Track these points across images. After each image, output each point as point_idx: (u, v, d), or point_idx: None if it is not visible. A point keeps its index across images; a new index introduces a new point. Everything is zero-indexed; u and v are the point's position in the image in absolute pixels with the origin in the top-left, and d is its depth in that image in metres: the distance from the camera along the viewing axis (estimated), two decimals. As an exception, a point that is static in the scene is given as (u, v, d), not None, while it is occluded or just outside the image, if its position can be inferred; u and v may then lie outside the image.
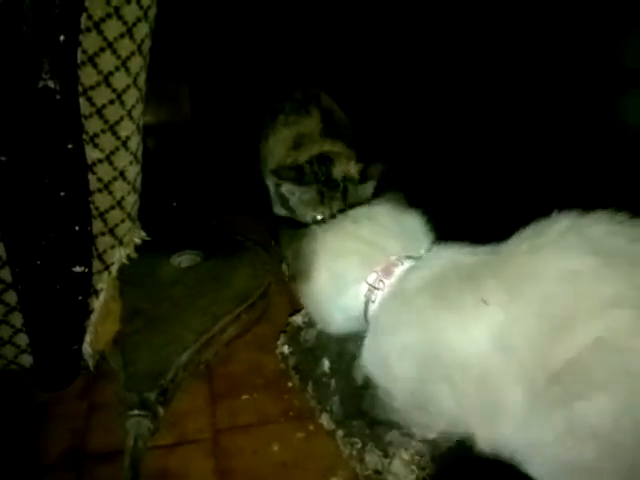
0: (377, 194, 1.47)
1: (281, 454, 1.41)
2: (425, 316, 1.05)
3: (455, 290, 1.03)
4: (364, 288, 1.18)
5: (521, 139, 2.59)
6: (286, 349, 1.54)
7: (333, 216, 1.52)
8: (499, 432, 0.96)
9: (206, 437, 1.46)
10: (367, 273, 1.17)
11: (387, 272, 1.15)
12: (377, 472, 1.22)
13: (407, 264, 1.16)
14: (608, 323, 0.86)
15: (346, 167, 1.67)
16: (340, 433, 1.33)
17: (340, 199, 1.64)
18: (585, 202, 1.00)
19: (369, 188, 1.68)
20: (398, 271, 1.14)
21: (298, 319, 1.54)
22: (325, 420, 1.39)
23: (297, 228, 1.37)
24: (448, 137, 2.54)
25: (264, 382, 1.60)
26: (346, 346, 1.40)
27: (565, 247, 0.95)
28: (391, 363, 1.10)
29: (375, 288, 1.15)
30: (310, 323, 1.49)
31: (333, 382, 1.38)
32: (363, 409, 1.25)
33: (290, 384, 1.58)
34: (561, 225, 0.98)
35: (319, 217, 1.63)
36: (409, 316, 1.08)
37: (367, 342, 1.18)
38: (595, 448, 0.84)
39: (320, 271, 1.22)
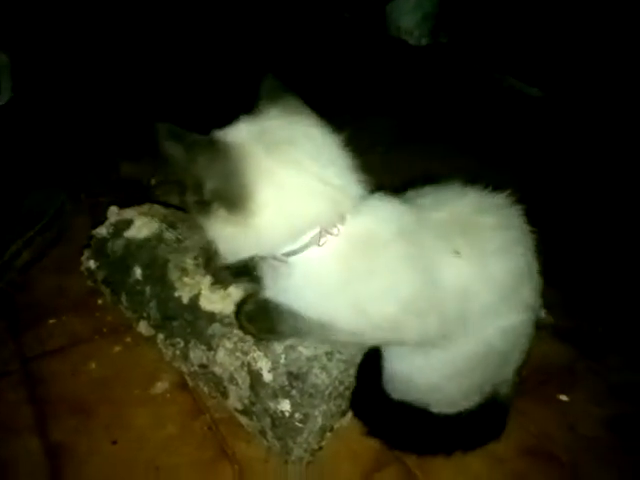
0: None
1: (100, 371, 1.38)
2: (404, 261, 1.04)
3: (430, 241, 1.07)
4: (315, 231, 1.02)
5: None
6: (92, 264, 1.46)
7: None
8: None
9: (14, 368, 1.37)
10: (332, 219, 1.01)
11: (342, 218, 1.02)
12: (203, 366, 1.25)
13: (357, 210, 1.03)
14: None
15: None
16: (161, 337, 1.33)
17: None
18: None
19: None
20: (350, 217, 1.02)
21: (102, 231, 1.45)
22: (143, 327, 1.37)
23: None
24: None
25: (71, 303, 1.53)
26: (157, 252, 1.37)
27: (505, 225, 1.12)
28: (367, 306, 1.04)
29: (329, 233, 1.01)
30: (117, 233, 1.43)
31: (148, 289, 1.35)
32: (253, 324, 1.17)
33: (100, 301, 1.52)
34: (499, 201, 1.14)
35: None
36: (388, 261, 1.04)
37: (315, 287, 1.05)
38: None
39: (268, 207, 0.97)
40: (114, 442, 1.24)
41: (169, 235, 1.41)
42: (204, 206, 0.99)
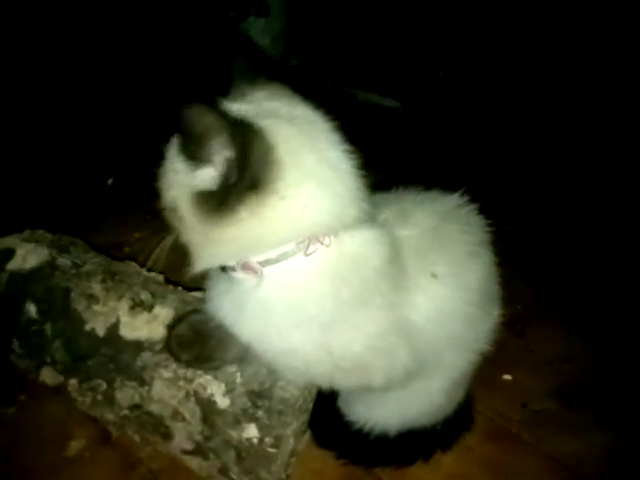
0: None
1: (-7, 441, 1.13)
2: (385, 294, 0.91)
3: (411, 267, 0.96)
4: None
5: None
6: (-32, 309, 1.18)
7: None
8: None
9: None
10: (336, 225, 0.86)
11: (338, 229, 0.87)
12: (135, 407, 1.04)
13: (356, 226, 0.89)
14: None
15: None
16: (73, 382, 1.10)
17: None
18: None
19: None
20: (344, 231, 0.88)
21: (-24, 267, 1.18)
22: (47, 376, 1.13)
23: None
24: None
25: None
26: (53, 282, 1.14)
27: (469, 229, 1.05)
28: (333, 343, 0.89)
29: (320, 243, 0.86)
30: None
31: (48, 327, 1.11)
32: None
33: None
34: (455, 204, 1.06)
35: None
36: (370, 291, 0.89)
37: (285, 307, 0.88)
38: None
39: (293, 198, 0.81)
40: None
41: (63, 261, 1.18)
42: (226, 199, 0.79)
